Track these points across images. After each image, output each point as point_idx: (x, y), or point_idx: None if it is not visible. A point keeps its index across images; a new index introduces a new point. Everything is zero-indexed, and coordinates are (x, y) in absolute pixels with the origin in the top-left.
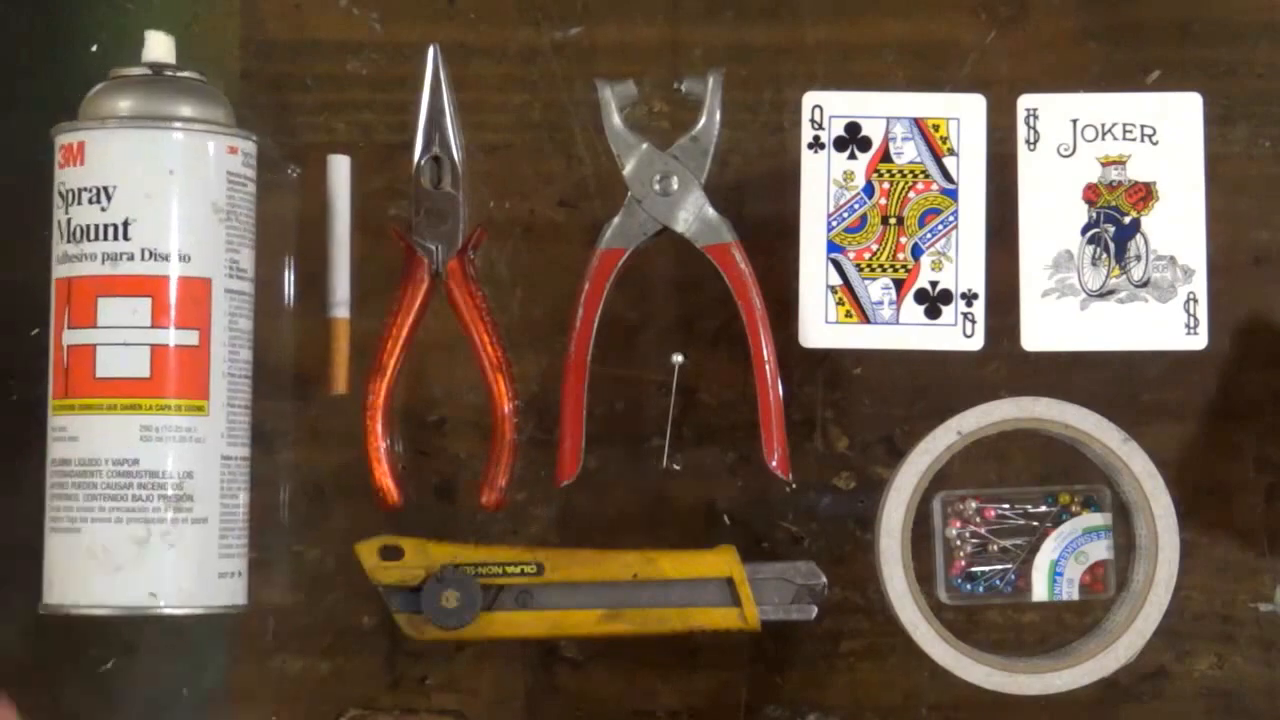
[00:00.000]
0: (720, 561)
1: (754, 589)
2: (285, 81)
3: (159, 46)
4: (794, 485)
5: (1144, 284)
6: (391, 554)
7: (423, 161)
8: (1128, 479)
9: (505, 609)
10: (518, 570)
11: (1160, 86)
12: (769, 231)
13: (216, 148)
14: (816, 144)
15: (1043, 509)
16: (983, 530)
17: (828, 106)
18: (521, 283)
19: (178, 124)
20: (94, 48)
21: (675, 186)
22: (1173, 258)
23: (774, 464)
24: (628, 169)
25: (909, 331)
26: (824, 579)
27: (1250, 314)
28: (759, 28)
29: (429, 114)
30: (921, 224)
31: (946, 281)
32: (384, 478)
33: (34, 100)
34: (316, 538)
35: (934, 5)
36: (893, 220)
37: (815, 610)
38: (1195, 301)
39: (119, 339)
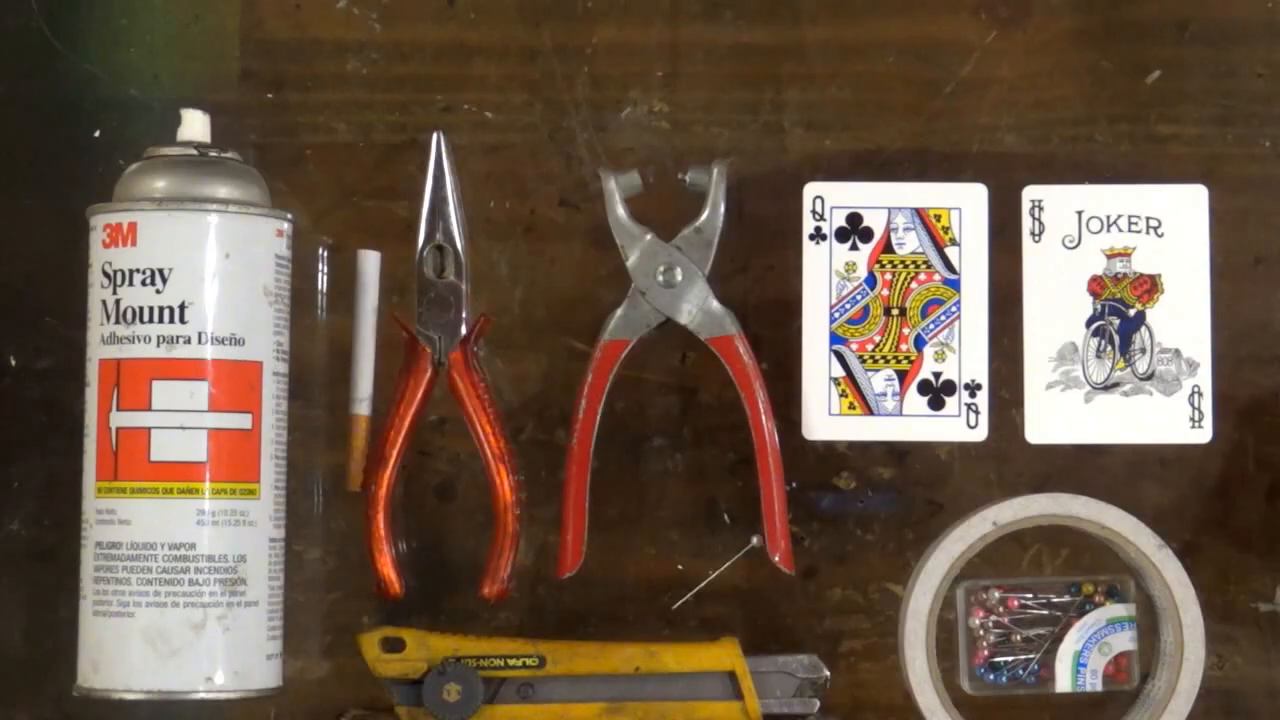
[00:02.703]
0: (722, 655)
1: (756, 682)
2: (285, 81)
3: (196, 125)
4: (794, 485)
5: (1149, 377)
6: (393, 646)
7: (425, 251)
8: (1159, 585)
9: (507, 702)
10: (519, 663)
11: (1160, 86)
12: (767, 230)
13: (266, 230)
14: (818, 235)
15: (1066, 599)
16: (1006, 620)
17: (829, 197)
18: (522, 283)
19: (233, 207)
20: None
21: (679, 278)
22: (1177, 350)
23: (777, 558)
24: (631, 260)
25: (912, 423)
26: (826, 672)
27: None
28: (759, 28)
29: (432, 202)
30: (924, 315)
31: (950, 373)
32: (386, 568)
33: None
34: (316, 538)
35: (934, 5)
36: (895, 311)
37: (818, 704)
38: (1200, 395)
39: (176, 422)
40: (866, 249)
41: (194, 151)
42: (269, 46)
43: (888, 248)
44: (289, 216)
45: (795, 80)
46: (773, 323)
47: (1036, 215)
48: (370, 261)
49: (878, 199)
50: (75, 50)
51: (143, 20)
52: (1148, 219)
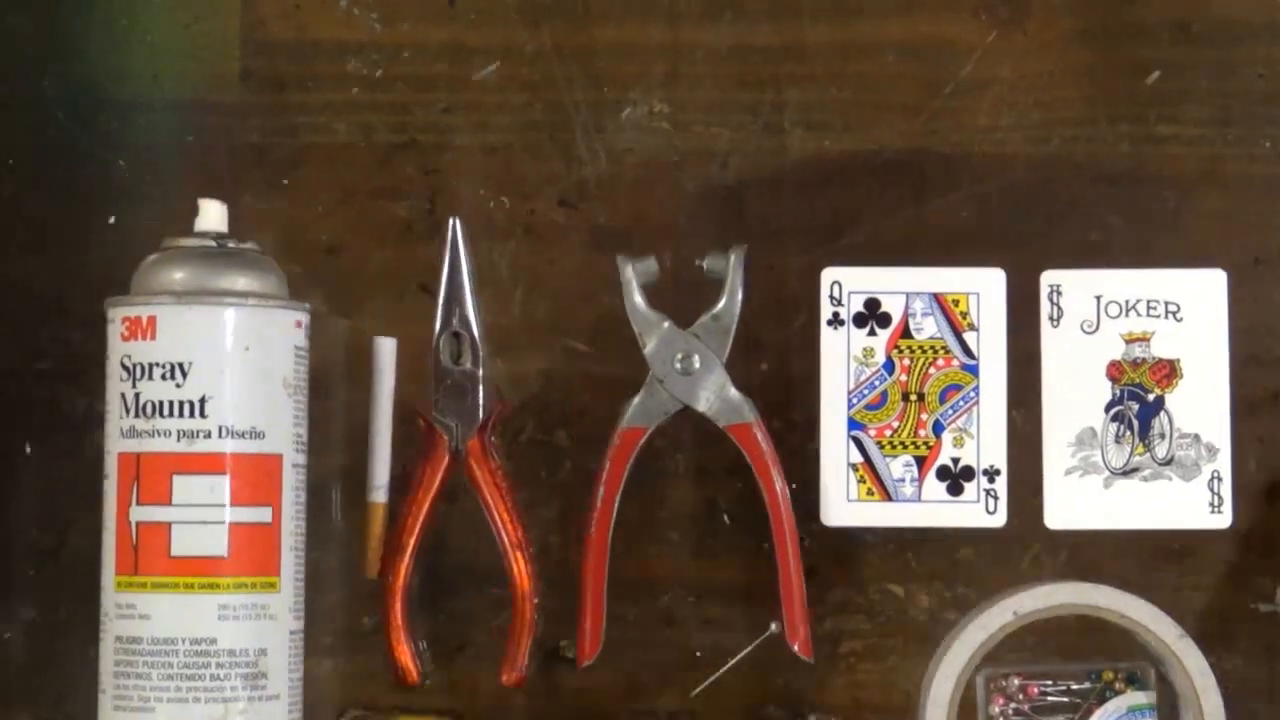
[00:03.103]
0: None
1: None
2: (285, 81)
3: (214, 216)
4: (794, 486)
5: (1168, 462)
6: None
7: (442, 338)
8: (1179, 673)
9: None
10: None
11: (1160, 86)
12: (765, 230)
13: (285, 322)
14: (836, 320)
15: (1086, 686)
16: (1026, 708)
17: (847, 282)
18: (522, 282)
19: (252, 300)
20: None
21: (697, 366)
22: (1196, 435)
23: (796, 646)
24: (649, 348)
25: (931, 509)
26: None
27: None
28: (759, 28)
29: (448, 289)
30: (942, 400)
31: (968, 458)
32: (405, 658)
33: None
34: (316, 538)
35: (934, 5)
36: (913, 397)
37: None
38: (1219, 480)
39: (196, 517)
40: (884, 334)
41: (212, 243)
42: (269, 46)
43: (906, 333)
44: (307, 307)
45: (795, 80)
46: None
47: (1055, 300)
48: (386, 348)
49: (895, 284)
50: (75, 50)
51: (143, 20)
52: (1166, 303)
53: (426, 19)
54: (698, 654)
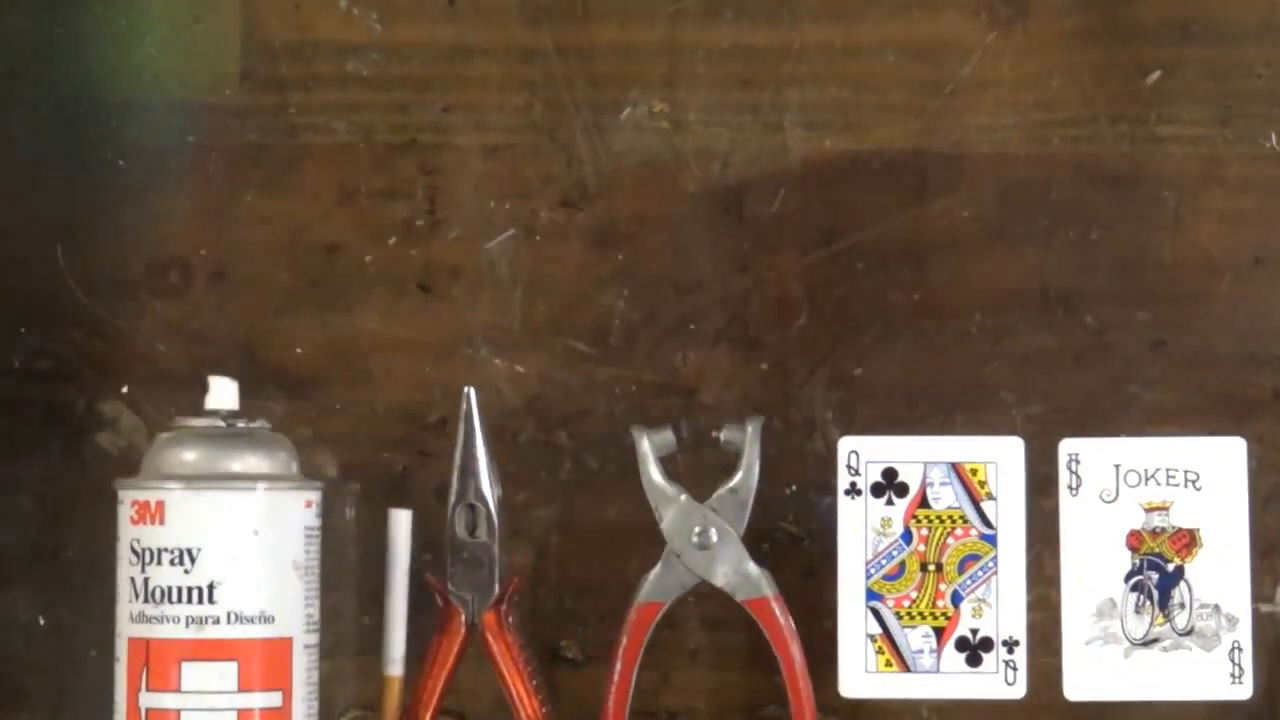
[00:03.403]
0: None
1: None
2: (285, 81)
3: (224, 393)
4: (794, 488)
5: (1188, 632)
6: None
7: (457, 510)
8: None
9: None
10: None
11: (1160, 86)
12: (765, 230)
13: (295, 503)
14: (853, 490)
15: None
16: None
17: (864, 452)
18: (522, 282)
19: (261, 484)
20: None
21: (714, 539)
22: (1216, 605)
23: None
24: (665, 522)
25: (950, 680)
26: None
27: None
28: (759, 28)
29: (463, 461)
30: (961, 570)
31: (987, 629)
32: None
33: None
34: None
35: (934, 5)
36: (931, 567)
37: None
38: (1240, 650)
39: (205, 704)
40: (902, 504)
41: (221, 423)
42: (269, 46)
43: (923, 502)
44: (319, 485)
45: (795, 80)
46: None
47: (1073, 469)
48: (401, 522)
49: (913, 454)
50: (75, 50)
51: (143, 20)
52: (1185, 472)
53: (426, 19)
54: (698, 654)
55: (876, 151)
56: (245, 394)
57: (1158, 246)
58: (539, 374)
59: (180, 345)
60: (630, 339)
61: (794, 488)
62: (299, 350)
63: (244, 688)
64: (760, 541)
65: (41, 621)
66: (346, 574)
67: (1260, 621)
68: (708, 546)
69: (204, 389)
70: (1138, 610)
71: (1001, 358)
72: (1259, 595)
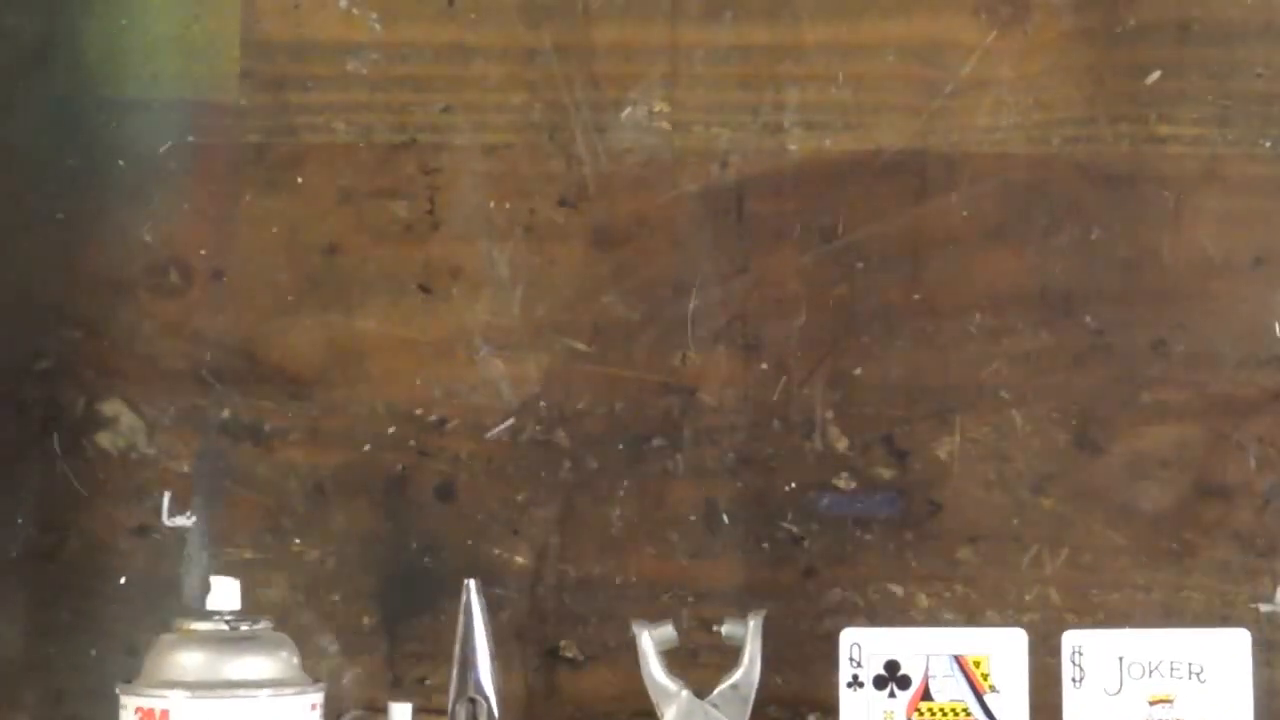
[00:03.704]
0: None
1: None
2: (285, 81)
3: (225, 594)
4: (793, 487)
5: None
6: None
7: (458, 705)
8: None
9: None
10: None
11: (1160, 86)
12: (765, 230)
13: (299, 707)
14: (855, 682)
15: None
16: None
17: (866, 644)
18: (521, 282)
19: (265, 691)
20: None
21: None
22: None
23: None
24: (667, 718)
25: None
26: None
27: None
28: (759, 28)
29: (463, 653)
30: None
31: None
32: None
33: None
34: (316, 538)
35: (934, 5)
36: None
37: None
38: None
39: None
40: (905, 696)
41: (225, 626)
42: (269, 46)
43: (926, 695)
44: (321, 686)
45: (795, 80)
46: None
47: (1077, 661)
48: (403, 715)
49: (915, 646)
50: (75, 50)
51: (143, 20)
52: (1189, 665)
53: (426, 19)
54: (698, 654)
55: (876, 151)
56: (245, 394)
57: (1157, 246)
58: (539, 374)
59: (180, 345)
60: (630, 339)
61: (793, 487)
62: (299, 350)
63: None
64: (760, 541)
65: (41, 621)
66: (346, 576)
67: (1261, 621)
68: None
69: (205, 390)
70: None
71: (1001, 357)
72: (1259, 595)
